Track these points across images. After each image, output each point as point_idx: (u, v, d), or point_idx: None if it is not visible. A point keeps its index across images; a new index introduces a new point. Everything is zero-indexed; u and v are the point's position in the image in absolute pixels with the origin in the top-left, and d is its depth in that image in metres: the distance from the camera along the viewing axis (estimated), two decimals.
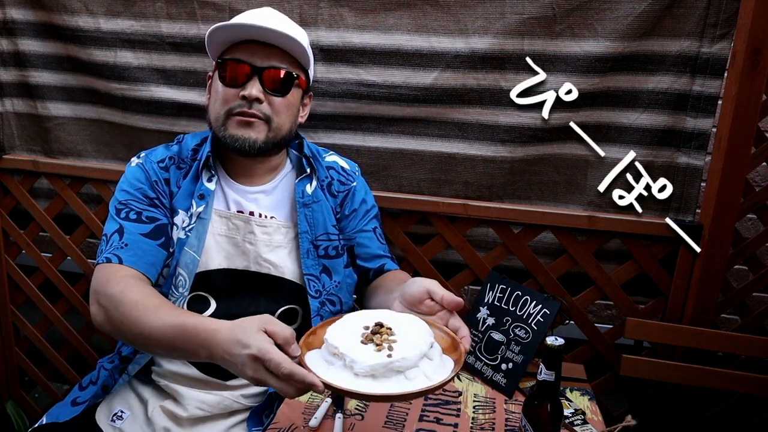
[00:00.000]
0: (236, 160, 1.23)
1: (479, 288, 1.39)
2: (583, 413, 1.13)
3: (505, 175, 1.47)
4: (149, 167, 1.20)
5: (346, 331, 0.88)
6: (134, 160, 1.23)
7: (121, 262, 1.09)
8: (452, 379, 0.82)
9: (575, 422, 1.10)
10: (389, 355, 0.82)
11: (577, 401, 1.20)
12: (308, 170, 1.26)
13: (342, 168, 1.33)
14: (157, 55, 1.55)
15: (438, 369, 0.84)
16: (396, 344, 0.84)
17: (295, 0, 1.46)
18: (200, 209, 1.18)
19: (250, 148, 1.16)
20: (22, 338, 1.87)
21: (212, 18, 1.50)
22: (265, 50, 1.15)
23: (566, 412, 1.13)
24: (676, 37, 1.34)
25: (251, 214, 1.22)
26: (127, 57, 1.56)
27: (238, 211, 1.22)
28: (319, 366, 0.84)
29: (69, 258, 1.73)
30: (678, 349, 1.43)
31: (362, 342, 0.85)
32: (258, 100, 1.14)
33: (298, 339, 0.87)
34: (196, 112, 1.56)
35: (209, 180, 1.21)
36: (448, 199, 1.50)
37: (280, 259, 1.22)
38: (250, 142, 1.15)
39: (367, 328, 0.88)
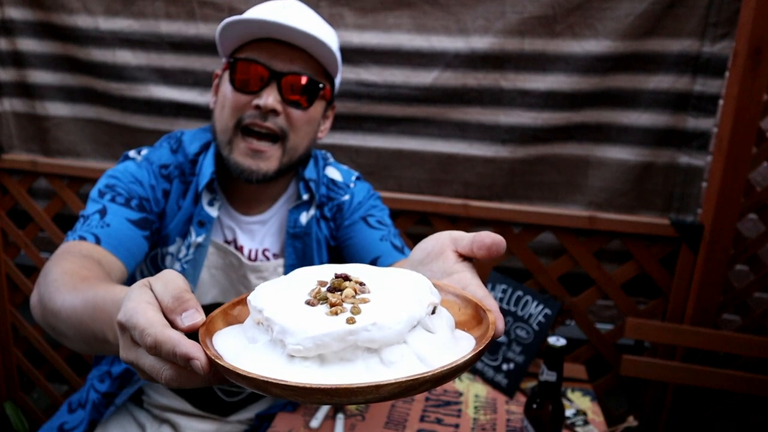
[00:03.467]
0: (236, 182, 1.04)
1: None
2: (585, 414, 1.13)
3: (505, 176, 1.47)
4: (150, 169, 1.02)
5: (286, 289, 0.51)
6: (132, 154, 1.03)
7: (98, 242, 0.88)
8: (472, 363, 0.45)
9: (577, 423, 1.10)
10: (350, 320, 0.44)
11: (579, 401, 1.19)
12: (306, 197, 1.06)
13: (333, 181, 1.12)
14: (155, 55, 1.55)
15: (443, 348, 0.47)
16: (366, 305, 0.47)
17: None
18: (200, 239, 1.02)
19: (258, 181, 0.98)
20: (20, 338, 1.87)
21: (211, 17, 1.49)
22: (287, 52, 0.95)
23: (568, 412, 1.12)
24: (677, 37, 1.34)
25: (240, 249, 1.07)
26: (125, 56, 1.56)
27: (230, 241, 1.07)
28: (234, 343, 0.48)
29: None
30: (679, 349, 1.43)
31: (307, 303, 0.48)
32: (274, 112, 0.95)
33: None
34: (195, 111, 1.56)
35: (210, 203, 1.02)
36: (449, 199, 1.49)
37: None
38: (259, 174, 0.97)
39: (323, 284, 0.50)
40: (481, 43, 1.40)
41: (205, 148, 1.06)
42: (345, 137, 1.51)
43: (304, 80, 0.96)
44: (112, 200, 0.95)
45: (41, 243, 1.77)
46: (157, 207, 1.01)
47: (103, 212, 0.93)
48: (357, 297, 0.48)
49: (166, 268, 1.03)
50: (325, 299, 0.47)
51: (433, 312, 0.49)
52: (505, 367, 1.24)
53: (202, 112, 1.56)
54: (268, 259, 1.08)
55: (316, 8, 1.45)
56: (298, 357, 0.44)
